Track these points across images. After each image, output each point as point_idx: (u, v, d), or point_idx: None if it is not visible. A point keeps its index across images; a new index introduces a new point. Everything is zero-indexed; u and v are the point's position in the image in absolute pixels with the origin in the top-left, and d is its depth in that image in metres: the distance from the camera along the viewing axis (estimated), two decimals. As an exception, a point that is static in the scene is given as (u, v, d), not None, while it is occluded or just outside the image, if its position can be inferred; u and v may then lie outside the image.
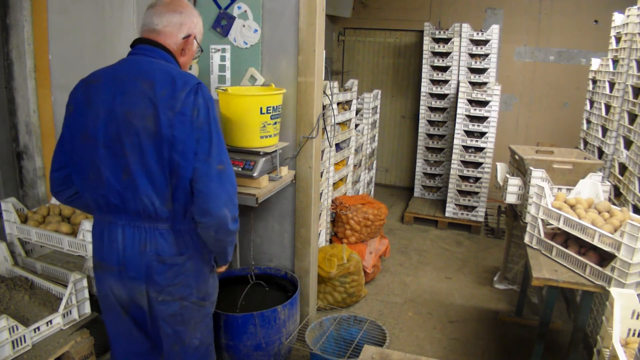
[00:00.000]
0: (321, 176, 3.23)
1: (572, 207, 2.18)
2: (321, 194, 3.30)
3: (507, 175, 2.73)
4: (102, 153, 1.49)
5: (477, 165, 4.73)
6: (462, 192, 4.84)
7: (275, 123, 2.43)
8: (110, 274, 1.58)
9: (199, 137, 1.47)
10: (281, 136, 2.62)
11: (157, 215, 1.52)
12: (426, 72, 5.12)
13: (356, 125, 4.35)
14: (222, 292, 2.02)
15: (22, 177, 3.15)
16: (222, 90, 2.38)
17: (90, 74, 1.56)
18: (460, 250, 4.38)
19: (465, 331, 3.06)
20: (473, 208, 4.80)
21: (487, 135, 4.61)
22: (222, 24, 2.66)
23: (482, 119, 4.63)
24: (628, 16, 2.81)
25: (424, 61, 5.11)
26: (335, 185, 3.83)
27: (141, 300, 1.60)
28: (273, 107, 2.38)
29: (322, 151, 3.14)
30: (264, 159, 2.38)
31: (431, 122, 5.25)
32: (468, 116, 4.66)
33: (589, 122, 3.36)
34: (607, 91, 3.00)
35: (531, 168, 2.42)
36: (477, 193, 4.74)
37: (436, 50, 5.02)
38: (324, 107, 2.90)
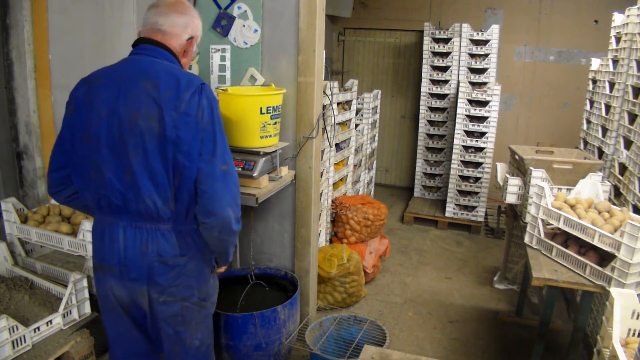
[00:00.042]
0: (321, 176, 3.23)
1: (572, 207, 2.18)
2: (321, 194, 3.30)
3: (507, 175, 2.73)
4: (104, 153, 1.48)
5: (477, 165, 4.73)
6: (462, 192, 4.84)
7: (275, 123, 2.43)
8: (111, 274, 1.57)
9: (204, 137, 1.47)
10: (281, 136, 2.62)
11: (159, 216, 1.52)
12: (426, 72, 5.12)
13: (356, 125, 4.35)
14: (222, 292, 2.02)
15: (22, 177, 3.15)
16: (222, 90, 2.38)
17: (91, 74, 1.56)
18: (460, 250, 4.38)
19: (465, 331, 3.06)
20: (473, 208, 4.80)
21: (487, 135, 4.61)
22: (222, 24, 2.66)
23: (482, 119, 4.63)
24: (628, 16, 2.81)
25: (424, 61, 5.11)
26: (335, 185, 3.83)
27: (142, 301, 1.60)
28: (273, 107, 2.38)
29: (322, 151, 3.14)
30: (264, 159, 2.38)
31: (431, 122, 5.25)
32: (468, 116, 4.66)
33: (589, 122, 3.36)
34: (607, 91, 3.00)
35: (531, 168, 2.42)
36: (477, 193, 4.74)
37: (436, 50, 5.02)
38: (324, 107, 2.90)
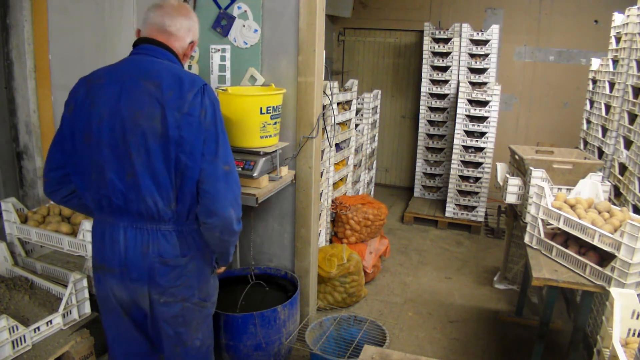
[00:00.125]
0: (321, 176, 3.23)
1: (572, 207, 2.18)
2: (321, 194, 3.30)
3: (507, 175, 2.73)
4: (105, 153, 1.48)
5: (477, 165, 4.73)
6: (462, 192, 4.84)
7: (275, 123, 2.43)
8: (111, 275, 1.57)
9: (206, 138, 1.47)
10: (281, 136, 2.62)
11: (160, 217, 1.52)
12: (426, 72, 5.12)
13: (356, 125, 4.35)
14: (222, 292, 2.02)
15: (22, 177, 3.15)
16: (222, 90, 2.38)
17: (92, 73, 1.55)
18: (460, 250, 4.38)
19: (465, 331, 3.06)
20: (473, 208, 4.80)
21: (487, 135, 4.61)
22: (222, 24, 2.66)
23: (482, 119, 4.63)
24: (628, 16, 2.81)
25: (424, 61, 5.11)
26: (335, 185, 3.83)
27: (143, 302, 1.60)
28: (273, 107, 2.38)
29: (322, 151, 3.14)
30: (264, 159, 2.38)
31: (431, 122, 5.25)
32: (468, 116, 4.66)
33: (589, 122, 3.36)
34: (607, 91, 3.00)
35: (531, 168, 2.42)
36: (477, 193, 4.74)
37: (436, 50, 5.02)
38: (324, 107, 2.90)
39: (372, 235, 3.69)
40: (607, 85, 3.03)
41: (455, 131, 4.69)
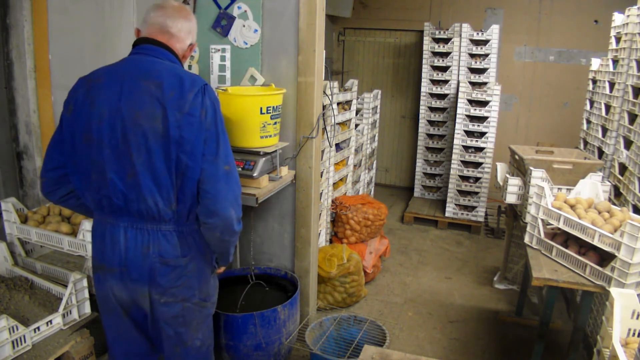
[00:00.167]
0: (321, 176, 3.23)
1: (572, 207, 2.18)
2: (321, 194, 3.30)
3: (507, 175, 2.73)
4: (106, 153, 1.48)
5: (477, 165, 4.73)
6: (462, 192, 4.84)
7: (275, 123, 2.43)
8: (111, 275, 1.57)
9: (207, 138, 1.48)
10: (281, 136, 2.62)
11: (161, 217, 1.52)
12: (426, 72, 5.12)
13: (356, 125, 4.35)
14: (222, 292, 2.02)
15: (22, 177, 3.15)
16: (222, 90, 2.38)
17: (91, 73, 1.55)
18: (460, 250, 4.38)
19: (465, 331, 3.06)
20: (473, 208, 4.80)
21: (487, 135, 4.61)
22: (222, 24, 2.66)
23: (482, 119, 4.63)
24: (628, 16, 2.81)
25: (424, 61, 5.11)
26: (335, 185, 3.83)
27: (143, 302, 1.60)
28: (273, 107, 2.38)
29: (322, 151, 3.14)
30: (264, 159, 2.38)
31: (431, 122, 5.25)
32: (468, 116, 4.66)
33: (589, 122, 3.36)
34: (607, 91, 3.00)
35: (531, 168, 2.42)
36: (477, 193, 4.74)
37: (436, 50, 5.02)
38: (324, 107, 2.90)
39: (372, 235, 3.69)
40: (607, 85, 3.03)
41: (455, 131, 4.69)
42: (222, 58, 2.71)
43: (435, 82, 5.13)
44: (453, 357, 2.79)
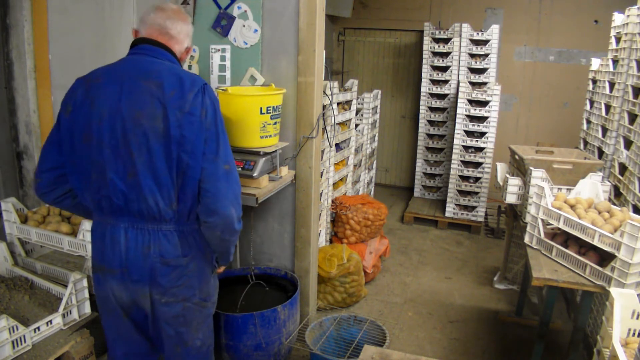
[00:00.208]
0: (321, 176, 3.23)
1: (572, 207, 2.18)
2: (321, 194, 3.30)
3: (507, 175, 2.73)
4: (106, 153, 1.48)
5: (477, 165, 4.73)
6: (462, 192, 4.84)
7: (275, 123, 2.43)
8: (111, 276, 1.57)
9: (207, 137, 1.48)
10: (281, 136, 2.62)
11: (161, 217, 1.52)
12: (426, 72, 5.12)
13: (356, 125, 4.35)
14: (222, 292, 2.02)
15: (22, 177, 3.15)
16: (222, 90, 2.38)
17: (90, 73, 1.55)
18: (460, 250, 4.38)
19: (465, 331, 3.06)
20: (473, 208, 4.80)
21: (487, 135, 4.61)
22: (222, 24, 2.66)
23: (482, 119, 4.63)
24: (628, 16, 2.81)
25: (424, 61, 5.11)
26: (335, 185, 3.83)
27: (144, 303, 1.60)
28: (273, 107, 2.38)
29: (322, 151, 3.14)
30: (264, 159, 2.38)
31: (431, 122, 5.25)
32: (468, 116, 4.66)
33: (589, 122, 3.36)
34: (607, 91, 3.00)
35: (531, 168, 2.42)
36: (477, 193, 4.74)
37: (436, 50, 5.02)
38: (324, 107, 2.90)
39: (372, 235, 3.69)
40: (607, 85, 3.03)
41: (455, 131, 4.69)
42: (222, 58, 2.71)
43: (435, 82, 5.13)
44: (453, 357, 2.79)
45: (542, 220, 2.24)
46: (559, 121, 5.49)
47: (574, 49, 5.34)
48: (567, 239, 2.17)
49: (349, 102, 3.95)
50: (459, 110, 4.65)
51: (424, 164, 5.38)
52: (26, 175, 3.14)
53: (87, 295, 2.07)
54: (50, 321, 1.93)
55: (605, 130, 2.98)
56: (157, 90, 1.45)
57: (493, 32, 4.71)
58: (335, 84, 3.42)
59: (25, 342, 1.82)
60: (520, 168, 2.68)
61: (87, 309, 2.08)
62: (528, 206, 2.35)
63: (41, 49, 2.94)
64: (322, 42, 2.61)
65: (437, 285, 3.69)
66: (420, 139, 5.31)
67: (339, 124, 3.69)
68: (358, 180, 4.54)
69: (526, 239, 2.31)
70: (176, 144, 1.45)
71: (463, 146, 4.71)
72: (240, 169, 2.33)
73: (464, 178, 4.80)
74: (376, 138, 5.17)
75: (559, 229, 2.15)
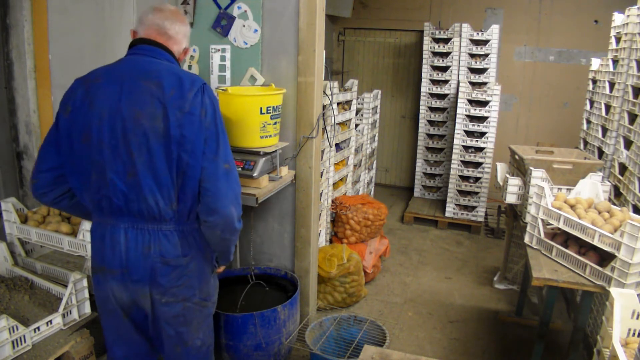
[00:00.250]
0: (321, 176, 3.23)
1: (572, 207, 2.18)
2: (321, 194, 3.30)
3: (507, 175, 2.73)
4: (106, 153, 1.48)
5: (477, 165, 4.73)
6: (462, 192, 4.84)
7: (275, 123, 2.43)
8: (111, 277, 1.57)
9: (207, 137, 1.49)
10: (281, 136, 2.62)
11: (161, 217, 1.52)
12: (426, 72, 5.12)
13: (356, 125, 4.35)
14: (222, 292, 2.02)
15: (22, 177, 3.15)
16: (222, 90, 2.38)
17: (89, 73, 1.55)
18: (460, 250, 4.38)
19: (465, 331, 3.06)
20: (473, 208, 4.80)
21: (487, 135, 4.61)
22: (222, 24, 2.66)
23: (482, 119, 4.63)
24: (628, 16, 2.81)
25: (424, 61, 5.11)
26: (335, 185, 3.83)
27: (144, 303, 1.60)
28: (273, 107, 2.38)
29: (322, 151, 3.14)
30: (264, 159, 2.38)
31: (431, 122, 5.25)
32: (468, 116, 4.66)
33: (589, 122, 3.36)
34: (607, 91, 3.00)
35: (531, 168, 2.42)
36: (477, 193, 4.74)
37: (436, 50, 5.02)
38: (324, 107, 2.90)
39: (372, 235, 3.69)
40: (607, 85, 3.03)
41: (455, 131, 4.69)
42: (222, 58, 2.71)
43: (435, 82, 5.13)
44: (453, 357, 2.79)
45: (542, 220, 2.24)
46: (559, 121, 5.49)
47: (574, 49, 5.34)
48: (567, 239, 2.17)
49: (349, 102, 3.95)
50: (459, 110, 4.65)
51: (424, 164, 5.38)
52: (26, 175, 3.14)
53: (87, 295, 2.07)
54: (50, 321, 1.93)
55: (605, 130, 2.98)
56: (157, 90, 1.45)
57: (493, 32, 4.71)
58: (335, 84, 3.42)
59: (25, 342, 1.82)
60: (520, 168, 2.68)
61: (87, 309, 2.08)
62: (528, 206, 2.35)
63: (41, 49, 2.94)
64: (322, 42, 2.61)
65: (437, 285, 3.69)
66: (420, 139, 5.31)
67: (339, 124, 3.70)
68: (358, 180, 4.54)
69: (526, 239, 2.31)
70: (176, 144, 1.45)
71: (463, 146, 4.71)
72: (240, 169, 2.33)
73: (464, 178, 4.80)
74: (376, 138, 5.17)
75: (559, 229, 2.15)
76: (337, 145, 3.74)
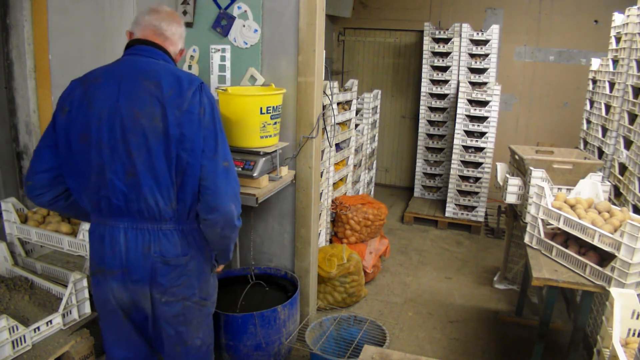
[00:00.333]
0: (321, 176, 3.23)
1: (572, 207, 2.18)
2: (321, 194, 3.30)
3: (507, 175, 2.73)
4: (106, 153, 1.48)
5: (477, 165, 4.73)
6: (462, 192, 4.84)
7: (275, 123, 2.43)
8: (111, 277, 1.57)
9: (206, 135, 1.49)
10: (281, 136, 2.62)
11: (161, 216, 1.52)
12: (426, 72, 5.12)
13: (356, 125, 4.35)
14: (222, 292, 2.03)
15: (22, 177, 3.15)
16: (222, 90, 2.38)
17: (86, 74, 1.55)
18: (460, 250, 4.38)
19: (465, 331, 3.06)
20: (473, 208, 4.80)
21: (487, 135, 4.61)
22: (222, 24, 2.66)
23: (482, 119, 4.63)
24: (628, 16, 2.81)
25: (424, 61, 5.11)
26: (335, 185, 3.83)
27: (144, 303, 1.60)
28: (273, 107, 2.38)
29: (322, 151, 3.14)
30: (264, 159, 2.38)
31: (431, 122, 5.25)
32: (468, 116, 4.66)
33: (589, 122, 3.36)
34: (607, 91, 3.00)
35: (531, 168, 2.42)
36: (477, 193, 4.74)
37: (436, 50, 5.02)
38: (324, 107, 2.90)
39: (372, 235, 3.69)
40: (607, 85, 3.03)
41: (455, 131, 4.69)
42: (222, 58, 2.71)
43: (435, 82, 5.13)
44: (453, 357, 2.79)
45: (542, 220, 2.24)
46: (559, 121, 5.49)
47: (574, 49, 5.34)
48: (567, 239, 2.17)
49: (349, 102, 3.95)
50: (459, 110, 4.64)
51: (424, 164, 5.38)
52: (26, 175, 3.13)
53: (87, 295, 2.07)
54: (50, 321, 1.93)
55: (605, 130, 2.98)
56: (156, 90, 1.46)
57: (493, 32, 4.71)
58: (335, 84, 3.42)
59: (25, 342, 1.82)
60: (520, 168, 2.68)
61: (87, 309, 2.08)
62: (528, 206, 2.35)
63: (41, 49, 2.94)
64: (322, 42, 2.61)
65: (437, 285, 3.69)
66: (420, 139, 5.31)
67: (339, 124, 3.70)
68: (358, 180, 4.54)
69: (526, 239, 2.31)
70: (175, 143, 1.46)
71: (463, 146, 4.71)
72: (240, 169, 2.33)
73: (464, 178, 4.80)
74: (376, 138, 5.17)
75: (559, 229, 2.15)
76: (337, 145, 3.74)
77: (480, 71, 4.85)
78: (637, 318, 1.58)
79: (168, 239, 1.55)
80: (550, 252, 2.17)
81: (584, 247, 2.08)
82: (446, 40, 4.96)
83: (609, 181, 2.69)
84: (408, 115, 6.14)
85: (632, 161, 2.47)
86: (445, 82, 5.07)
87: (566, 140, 5.06)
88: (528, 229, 2.31)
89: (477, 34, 4.78)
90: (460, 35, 4.84)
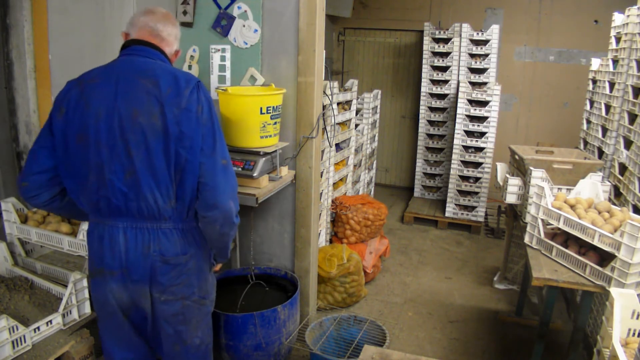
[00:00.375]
0: (321, 176, 3.23)
1: (572, 207, 2.18)
2: (321, 194, 3.30)
3: (507, 175, 2.73)
4: (104, 153, 1.47)
5: (477, 165, 4.73)
6: (462, 192, 4.84)
7: (275, 123, 2.43)
8: (111, 278, 1.56)
9: (204, 133, 1.50)
10: (281, 136, 2.62)
11: (160, 215, 1.52)
12: (426, 72, 5.12)
13: (356, 125, 4.35)
14: (222, 292, 2.03)
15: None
16: (222, 90, 2.38)
17: (83, 74, 1.55)
18: (460, 250, 4.38)
19: (465, 331, 3.06)
20: (473, 208, 4.80)
21: (487, 135, 4.61)
22: (222, 24, 2.66)
23: (482, 119, 4.63)
24: (628, 16, 2.81)
25: (424, 61, 5.11)
26: (335, 185, 3.83)
27: (144, 303, 1.60)
28: (273, 107, 2.38)
29: (322, 151, 3.14)
30: (264, 159, 2.38)
31: (431, 122, 5.25)
32: (468, 116, 4.66)
33: (589, 122, 3.36)
34: (607, 91, 3.00)
35: (531, 168, 2.42)
36: (477, 193, 4.74)
37: (436, 50, 5.02)
38: (324, 107, 2.90)
39: (372, 235, 3.69)
40: (607, 85, 3.03)
41: (455, 131, 4.69)
42: (222, 58, 2.71)
43: (435, 82, 5.13)
44: (453, 357, 2.79)
45: (542, 220, 2.24)
46: (559, 121, 5.49)
47: (574, 49, 5.34)
48: (567, 239, 2.17)
49: (349, 102, 3.95)
50: (459, 110, 4.64)
51: (424, 164, 5.38)
52: (26, 175, 3.13)
53: (87, 295, 2.07)
54: (50, 321, 1.93)
55: (605, 130, 2.98)
56: (154, 88, 1.46)
57: (493, 32, 4.71)
58: (335, 84, 3.42)
59: (25, 342, 1.82)
60: (520, 168, 2.68)
61: (87, 309, 2.08)
62: (528, 206, 2.35)
63: (41, 49, 2.94)
64: (322, 42, 2.61)
65: (437, 285, 3.69)
66: (420, 139, 5.31)
67: (339, 124, 3.69)
68: (358, 180, 4.54)
69: (526, 239, 2.31)
70: (174, 141, 1.46)
71: (463, 146, 4.71)
72: (240, 169, 2.33)
73: (464, 178, 4.80)
74: (376, 138, 5.17)
75: (559, 229, 2.15)
76: (337, 145, 3.74)
77: (480, 71, 4.85)
78: (637, 318, 1.58)
79: (167, 238, 1.55)
80: (550, 252, 2.17)
81: (584, 247, 2.08)
82: (446, 40, 4.96)
83: (609, 181, 2.70)
84: (408, 115, 6.13)
85: (632, 161, 2.47)
86: (445, 82, 5.07)
87: (566, 140, 5.06)
88: (528, 229, 2.31)
89: (477, 34, 4.78)
90: (460, 35, 4.84)
